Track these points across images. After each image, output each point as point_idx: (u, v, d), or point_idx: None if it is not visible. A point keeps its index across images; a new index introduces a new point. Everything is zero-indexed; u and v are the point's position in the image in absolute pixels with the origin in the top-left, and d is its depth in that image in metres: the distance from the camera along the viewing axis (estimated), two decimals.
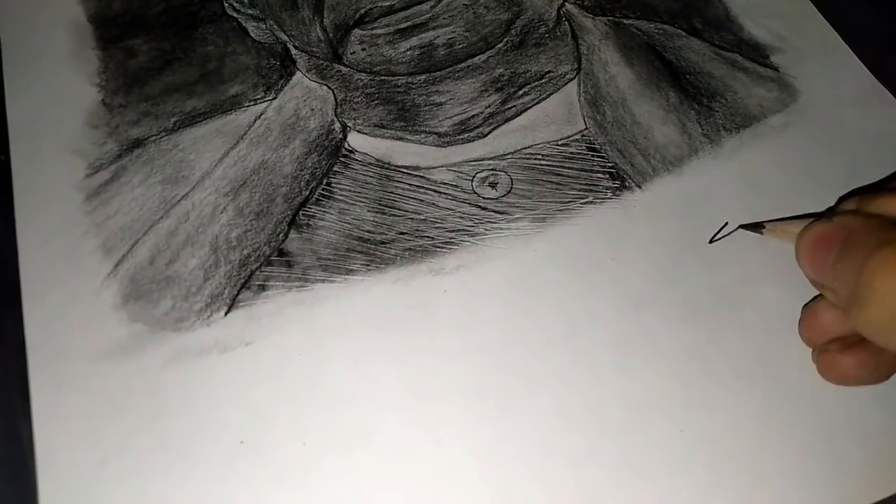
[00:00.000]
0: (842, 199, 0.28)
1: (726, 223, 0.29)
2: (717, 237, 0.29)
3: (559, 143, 0.32)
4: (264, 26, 0.34)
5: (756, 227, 0.28)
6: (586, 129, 0.32)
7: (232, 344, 0.27)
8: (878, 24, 0.34)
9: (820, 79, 0.33)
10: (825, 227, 0.23)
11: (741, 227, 0.29)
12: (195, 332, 0.27)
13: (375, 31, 0.34)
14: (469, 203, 0.30)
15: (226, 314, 0.28)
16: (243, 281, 0.28)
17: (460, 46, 0.33)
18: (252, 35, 0.34)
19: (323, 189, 0.31)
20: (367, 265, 0.29)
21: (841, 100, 0.32)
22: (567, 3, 0.35)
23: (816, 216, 0.27)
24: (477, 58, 0.33)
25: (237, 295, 0.28)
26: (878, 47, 0.33)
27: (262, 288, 0.28)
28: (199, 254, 0.29)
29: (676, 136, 0.32)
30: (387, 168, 0.31)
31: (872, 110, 0.29)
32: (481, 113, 0.32)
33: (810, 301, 0.27)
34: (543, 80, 0.33)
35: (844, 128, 0.30)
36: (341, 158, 0.31)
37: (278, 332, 0.28)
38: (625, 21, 0.35)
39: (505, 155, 0.31)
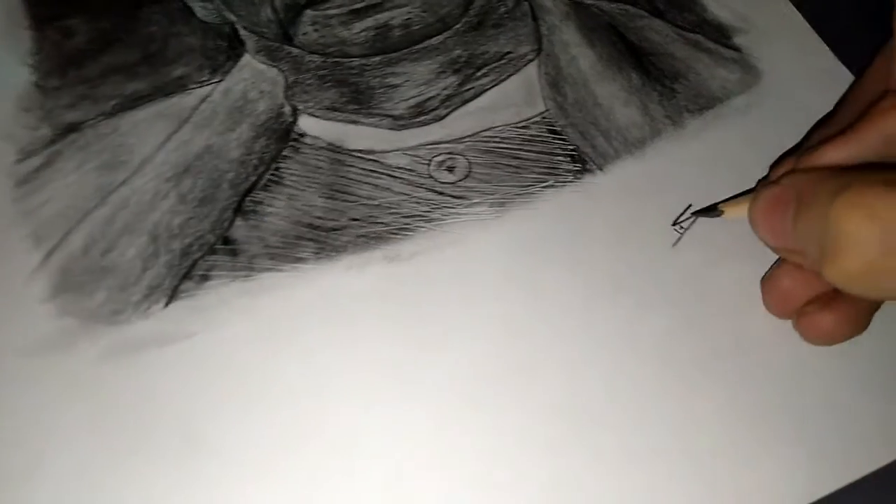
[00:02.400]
0: (773, 167, 0.28)
1: (690, 205, 0.29)
2: (680, 220, 0.28)
3: (519, 125, 0.30)
4: (212, 6, 0.33)
5: (712, 210, 0.27)
6: (547, 111, 0.31)
7: (172, 337, 0.26)
8: (839, 2, 0.34)
9: (783, 60, 0.32)
10: (774, 191, 0.22)
11: (696, 214, 0.28)
12: (132, 326, 0.26)
13: (329, 12, 0.32)
14: (425, 188, 0.29)
15: (166, 306, 0.26)
16: (185, 271, 0.27)
17: (417, 27, 0.32)
18: (199, 15, 0.33)
19: (271, 174, 0.29)
20: (318, 253, 0.27)
21: (803, 80, 0.31)
22: None
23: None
24: (434, 39, 0.32)
25: (178, 285, 0.26)
26: (839, 26, 0.33)
27: (205, 278, 0.27)
28: (138, 242, 0.27)
29: (639, 118, 0.31)
30: (339, 152, 0.30)
31: (834, 90, 0.29)
32: (438, 95, 0.31)
33: (766, 275, 0.27)
34: (503, 62, 0.32)
35: (807, 108, 0.29)
36: (291, 143, 0.30)
37: (222, 324, 0.26)
38: (586, 1, 0.34)
39: (463, 138, 0.30)
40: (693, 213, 0.28)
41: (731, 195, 0.28)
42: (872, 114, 0.22)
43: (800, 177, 0.22)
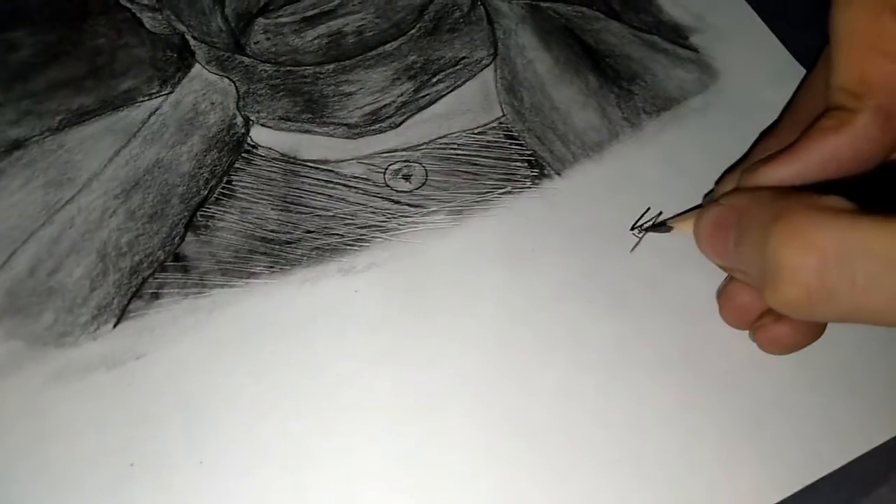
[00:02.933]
0: (719, 181, 0.28)
1: (648, 209, 0.28)
2: (638, 224, 0.28)
3: (475, 131, 0.30)
4: (161, 17, 0.32)
5: (661, 226, 0.27)
6: (503, 116, 0.30)
7: (121, 358, 0.25)
8: (794, 1, 0.33)
9: (739, 58, 0.32)
10: (717, 212, 0.22)
11: (647, 230, 0.28)
12: (80, 348, 0.25)
13: (280, 20, 0.32)
14: (381, 197, 0.29)
15: (114, 326, 0.26)
16: (134, 289, 0.26)
17: (371, 34, 0.32)
18: (147, 26, 0.32)
19: (223, 188, 0.28)
20: (271, 267, 0.27)
21: (759, 78, 0.31)
22: None
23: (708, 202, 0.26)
24: (388, 45, 0.32)
25: (127, 305, 0.26)
26: (791, 23, 0.33)
27: (156, 296, 0.26)
28: (86, 262, 0.27)
29: (596, 121, 0.30)
30: (293, 163, 0.29)
31: (789, 87, 0.29)
32: (393, 102, 0.31)
33: (722, 285, 0.27)
34: (458, 67, 0.31)
35: (764, 106, 0.29)
36: (243, 154, 0.29)
37: (173, 343, 0.25)
38: (542, 4, 0.33)
39: (419, 145, 0.30)
40: (644, 229, 0.28)
41: (692, 195, 0.28)
42: (812, 133, 0.22)
43: (741, 198, 0.22)
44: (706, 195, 0.28)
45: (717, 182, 0.28)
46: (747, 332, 0.26)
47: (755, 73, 0.31)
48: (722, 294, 0.26)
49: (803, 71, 0.31)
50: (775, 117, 0.29)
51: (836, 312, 0.18)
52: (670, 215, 0.28)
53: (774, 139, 0.26)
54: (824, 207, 0.18)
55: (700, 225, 0.23)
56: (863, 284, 0.17)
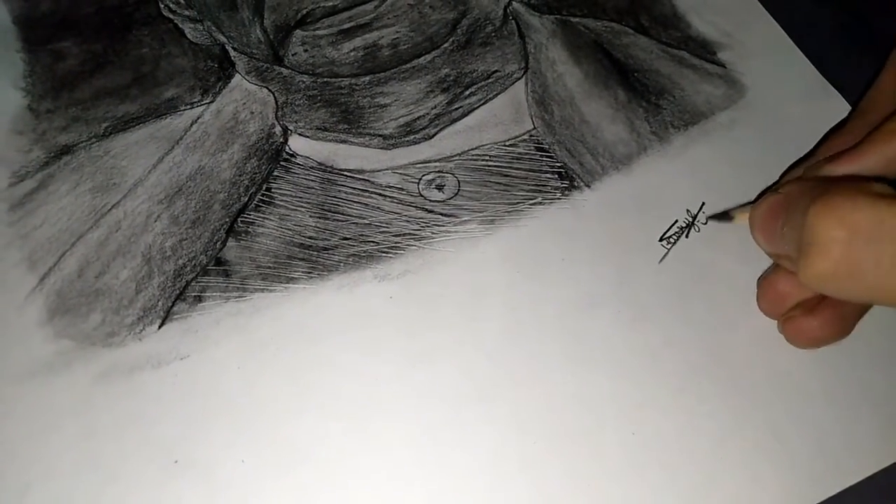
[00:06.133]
0: (785, 174, 0.29)
1: (676, 221, 0.29)
2: (667, 234, 0.29)
3: (507, 143, 0.31)
4: (202, 27, 0.33)
5: (724, 216, 0.28)
6: (534, 128, 0.31)
7: (166, 358, 0.26)
8: (819, 17, 0.34)
9: (766, 74, 0.32)
10: (772, 199, 0.23)
11: (709, 218, 0.29)
12: (126, 348, 0.26)
13: (318, 32, 0.33)
14: (415, 206, 0.29)
15: (159, 327, 0.26)
16: (178, 292, 0.27)
17: (405, 47, 0.33)
18: (189, 37, 0.33)
19: (263, 195, 0.29)
20: (309, 272, 0.28)
21: (787, 95, 0.32)
22: (514, 2, 0.34)
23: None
24: (422, 58, 0.33)
25: (171, 307, 0.27)
26: (819, 41, 0.33)
27: (199, 299, 0.27)
28: (131, 265, 0.28)
29: (625, 135, 0.31)
30: (330, 172, 0.30)
31: (817, 104, 0.29)
32: (427, 114, 0.31)
33: (764, 273, 0.27)
34: (490, 80, 0.32)
35: (791, 122, 0.30)
36: (282, 163, 0.30)
37: (215, 344, 0.26)
38: (572, 19, 0.34)
39: (452, 156, 0.31)
40: (708, 218, 0.29)
41: (718, 208, 0.29)
42: (877, 134, 0.23)
43: (794, 186, 0.23)
44: (767, 188, 0.29)
45: (783, 175, 0.29)
46: (769, 345, 0.26)
47: (782, 90, 0.32)
48: (763, 280, 0.27)
49: (830, 88, 0.32)
50: (802, 133, 0.29)
51: (859, 290, 0.19)
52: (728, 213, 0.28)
53: (841, 138, 0.26)
54: (865, 190, 0.19)
55: (755, 211, 0.24)
56: (888, 265, 0.18)
